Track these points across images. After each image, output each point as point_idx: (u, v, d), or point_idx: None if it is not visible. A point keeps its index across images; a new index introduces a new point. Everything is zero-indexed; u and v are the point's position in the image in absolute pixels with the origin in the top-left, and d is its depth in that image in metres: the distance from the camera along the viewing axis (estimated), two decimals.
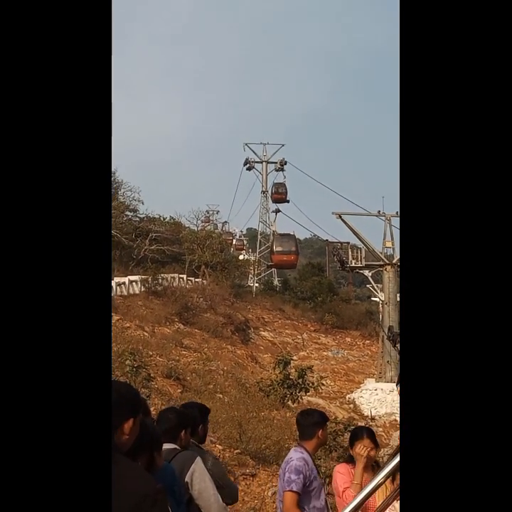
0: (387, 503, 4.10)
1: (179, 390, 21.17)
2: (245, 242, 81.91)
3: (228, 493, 6.54)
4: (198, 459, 5.66)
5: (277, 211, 67.46)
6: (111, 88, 2.87)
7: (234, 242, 77.51)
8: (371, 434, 6.18)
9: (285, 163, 67.80)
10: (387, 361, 36.38)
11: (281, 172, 68.11)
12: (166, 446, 5.18)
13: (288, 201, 66.43)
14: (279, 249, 56.57)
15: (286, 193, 66.76)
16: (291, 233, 59.26)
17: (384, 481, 3.89)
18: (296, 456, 6.00)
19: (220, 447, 15.43)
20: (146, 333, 27.58)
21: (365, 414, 31.39)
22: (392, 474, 3.80)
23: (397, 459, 3.63)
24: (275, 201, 67.19)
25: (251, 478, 14.90)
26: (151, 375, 20.31)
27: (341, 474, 5.84)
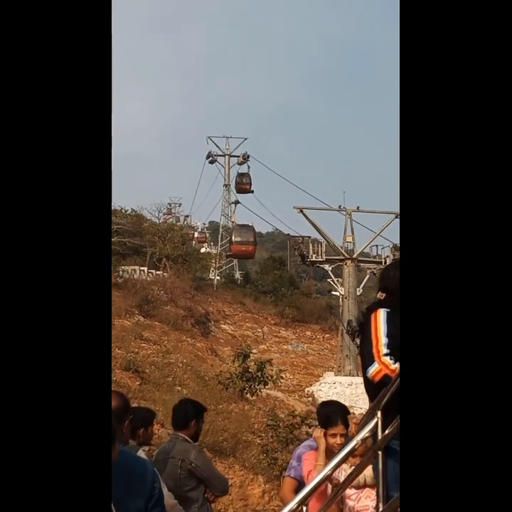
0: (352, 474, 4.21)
1: (138, 383, 21.15)
2: (208, 235, 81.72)
3: (215, 485, 6.61)
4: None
5: (237, 202, 68.10)
6: (111, 85, 2.86)
7: (196, 235, 77.29)
8: (345, 416, 6.23)
9: (248, 157, 67.75)
10: (346, 355, 36.70)
11: (245, 163, 68.08)
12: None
13: (252, 191, 66.45)
14: (238, 239, 57.59)
15: (251, 183, 66.75)
16: (250, 224, 60.37)
17: (347, 457, 4.03)
18: (303, 444, 6.15)
19: None
20: None
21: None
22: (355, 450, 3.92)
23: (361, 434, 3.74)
24: (239, 191, 67.14)
25: None
26: None
27: (308, 461, 5.85)
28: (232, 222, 66.89)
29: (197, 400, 7.67)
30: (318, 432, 5.86)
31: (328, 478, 4.11)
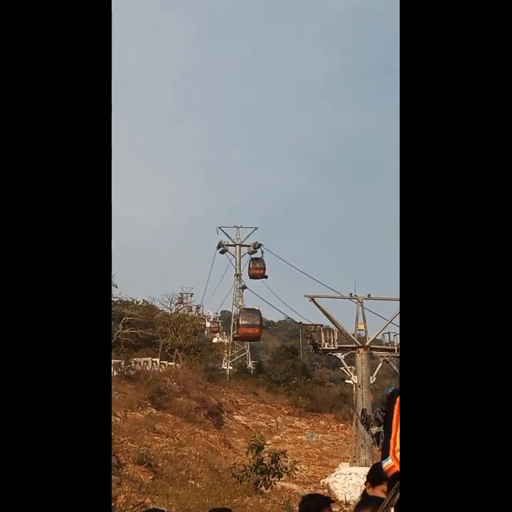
0: None
1: (151, 477, 20.91)
2: (220, 324, 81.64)
3: None
4: None
5: (244, 287, 68.61)
6: (111, 97, 2.96)
7: (208, 325, 77.23)
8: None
9: (258, 246, 68.35)
10: (361, 445, 36.14)
11: (259, 249, 68.46)
12: None
13: (266, 277, 66.52)
14: (245, 322, 59.43)
15: (265, 268, 67.15)
16: (256, 308, 62.11)
17: None
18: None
19: None
20: (118, 419, 27.30)
21: (340, 499, 31.00)
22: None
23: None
24: (252, 277, 67.15)
25: None
26: (122, 461, 20.10)
27: None
28: (238, 304, 67.19)
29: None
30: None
31: None
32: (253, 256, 68.58)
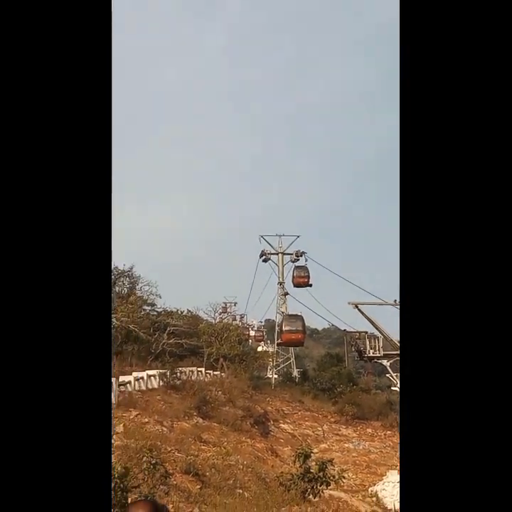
0: None
1: (198, 486, 20.92)
2: (264, 333, 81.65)
3: None
4: None
5: (286, 294, 68.37)
6: (111, 103, 2.92)
7: (253, 334, 77.36)
8: None
9: (301, 254, 68.23)
10: None
11: (302, 257, 68.18)
12: None
13: (310, 285, 66.23)
14: (288, 328, 60.12)
15: (309, 276, 66.77)
16: (299, 314, 62.22)
17: None
18: None
19: None
20: (164, 428, 27.40)
21: (389, 507, 30.67)
22: None
23: None
24: (297, 285, 66.88)
25: None
26: (170, 471, 20.13)
27: None
28: (281, 310, 67.20)
29: None
30: None
31: None
32: (297, 264, 68.26)
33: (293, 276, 67.63)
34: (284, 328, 60.97)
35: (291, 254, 69.35)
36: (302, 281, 66.52)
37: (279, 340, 64.09)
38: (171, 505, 16.81)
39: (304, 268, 67.38)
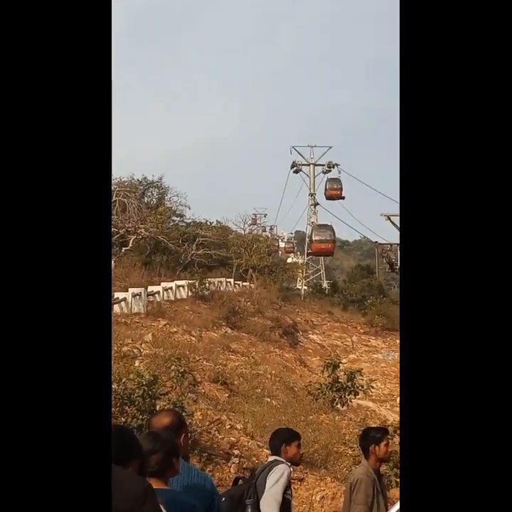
0: None
1: (226, 395, 21.05)
2: (294, 244, 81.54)
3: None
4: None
5: (316, 204, 68.10)
6: (111, 98, 2.84)
7: (283, 246, 77.46)
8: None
9: (333, 166, 67.32)
10: None
11: (334, 168, 67.30)
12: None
13: (343, 198, 65.73)
14: (317, 238, 60.09)
15: (342, 189, 66.07)
16: (329, 224, 62.25)
17: None
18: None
19: (267, 452, 15.24)
20: (193, 338, 27.55)
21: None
22: None
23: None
24: (329, 198, 66.40)
25: (299, 483, 14.70)
26: (198, 379, 20.24)
27: None
28: (311, 221, 67.12)
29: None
30: None
31: None
32: (330, 176, 67.42)
33: (325, 189, 67.06)
34: (314, 238, 60.98)
35: (323, 165, 68.52)
36: (335, 193, 65.90)
37: (309, 250, 64.27)
38: (199, 413, 16.93)
39: (337, 180, 66.71)
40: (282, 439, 6.97)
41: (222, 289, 39.98)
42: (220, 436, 16.12)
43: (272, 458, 6.99)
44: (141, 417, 12.04)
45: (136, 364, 18.14)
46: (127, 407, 12.45)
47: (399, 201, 2.69)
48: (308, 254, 67.82)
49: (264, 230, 76.80)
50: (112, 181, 39.46)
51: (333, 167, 67.52)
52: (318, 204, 67.45)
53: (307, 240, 68.14)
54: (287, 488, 6.76)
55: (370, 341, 45.20)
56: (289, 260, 71.11)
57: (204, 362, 23.67)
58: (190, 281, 36.63)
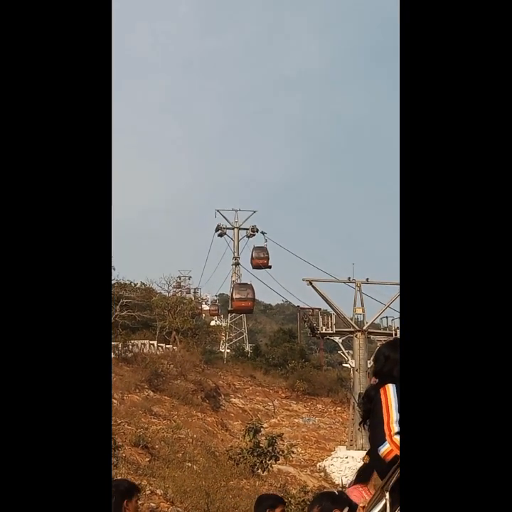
0: None
1: (147, 459, 20.90)
2: (219, 307, 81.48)
3: None
4: None
5: (237, 263, 68.43)
6: (111, 104, 2.93)
7: (207, 308, 77.24)
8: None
9: (257, 230, 67.66)
10: (358, 429, 36.13)
11: (262, 236, 66.50)
12: None
13: (270, 267, 64.17)
14: (238, 296, 62.39)
15: (268, 258, 65.04)
16: (249, 283, 64.04)
17: None
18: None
19: None
20: (115, 401, 27.25)
21: (336, 482, 31.05)
22: None
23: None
24: (256, 267, 64.62)
25: None
26: (119, 443, 20.04)
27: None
28: (232, 279, 67.45)
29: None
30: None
31: None
32: (256, 244, 66.74)
33: (252, 257, 65.56)
34: (234, 296, 62.89)
35: (247, 229, 69.00)
36: (262, 262, 64.57)
37: (230, 308, 65.73)
38: (119, 477, 16.71)
39: (264, 249, 65.42)
40: (265, 506, 6.97)
41: (145, 351, 39.72)
42: (140, 502, 15.99)
43: None
44: None
45: None
46: None
47: (399, 203, 2.75)
48: (229, 312, 68.63)
49: (189, 292, 76.68)
50: None
51: (257, 231, 67.99)
52: (239, 264, 67.79)
53: (228, 298, 68.20)
54: None
55: (291, 406, 45.32)
56: (213, 323, 71.06)
57: (125, 425, 23.48)
58: (113, 343, 36.29)
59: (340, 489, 7.01)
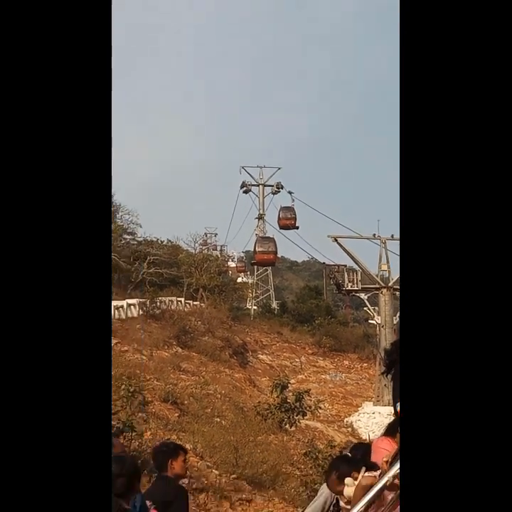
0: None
1: (176, 414, 21.16)
2: (246, 264, 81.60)
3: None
4: None
5: (260, 218, 68.78)
6: (111, 100, 2.90)
7: (233, 265, 77.46)
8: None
9: (282, 187, 67.32)
10: (385, 385, 36.31)
11: (290, 196, 65.85)
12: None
13: (297, 227, 63.10)
14: (261, 249, 62.65)
15: (296, 218, 63.87)
16: (271, 236, 64.71)
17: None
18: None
19: (216, 472, 15.44)
20: (144, 357, 27.57)
21: (363, 437, 31.32)
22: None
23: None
24: (283, 227, 63.96)
25: (247, 504, 14.88)
26: (149, 399, 20.31)
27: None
28: (255, 233, 67.87)
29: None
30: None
31: None
32: (283, 205, 65.95)
33: (279, 218, 64.62)
34: (257, 249, 63.40)
35: (272, 186, 68.73)
36: (289, 222, 63.64)
37: (253, 261, 66.67)
38: (149, 433, 17.01)
39: (291, 209, 64.32)
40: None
41: (173, 308, 40.00)
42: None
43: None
44: None
45: None
46: None
47: (399, 198, 2.72)
48: (252, 264, 69.95)
49: (215, 249, 76.85)
50: None
51: (282, 188, 67.60)
52: (263, 219, 67.97)
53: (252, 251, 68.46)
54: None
55: (318, 362, 45.61)
56: (239, 280, 71.30)
57: (155, 381, 23.76)
58: (141, 300, 36.58)
59: (361, 442, 7.02)
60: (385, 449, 5.37)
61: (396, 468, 3.88)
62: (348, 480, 5.79)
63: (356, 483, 5.49)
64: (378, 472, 4.92)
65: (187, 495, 6.80)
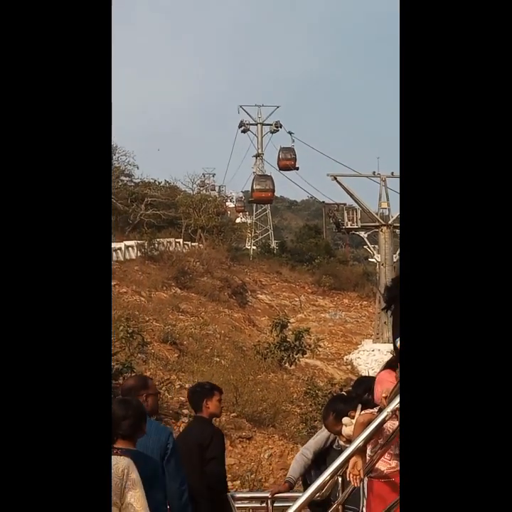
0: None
1: (176, 355, 21.26)
2: (244, 203, 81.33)
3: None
4: None
5: (257, 156, 68.30)
6: (111, 68, 2.87)
7: (231, 205, 77.22)
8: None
9: (280, 126, 66.67)
10: (384, 322, 36.44)
11: (289, 136, 64.89)
12: None
13: (297, 168, 62.63)
14: (258, 187, 64.15)
15: (296, 159, 63.05)
16: (269, 174, 65.87)
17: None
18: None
19: None
20: (142, 298, 27.61)
21: (363, 375, 31.55)
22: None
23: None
24: (283, 168, 63.38)
25: (247, 441, 15.04)
26: (148, 340, 20.37)
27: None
28: (253, 171, 68.33)
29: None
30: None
31: (360, 450, 4.20)
32: (283, 145, 65.06)
33: (279, 158, 63.81)
34: (255, 187, 64.45)
35: (271, 125, 68.07)
36: (289, 163, 62.88)
37: (250, 198, 67.70)
38: (148, 373, 17.06)
39: (291, 149, 63.56)
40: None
41: (171, 249, 39.87)
42: (169, 396, 16.34)
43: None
44: None
45: None
46: None
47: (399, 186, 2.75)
48: (249, 202, 70.72)
49: (213, 190, 76.41)
50: None
51: (280, 127, 66.74)
52: (261, 157, 67.56)
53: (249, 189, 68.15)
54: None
55: (317, 301, 45.72)
56: (238, 220, 71.12)
57: (153, 322, 23.81)
58: (139, 242, 36.49)
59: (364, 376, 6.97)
60: (389, 381, 5.28)
61: (395, 403, 3.90)
62: (345, 419, 5.72)
63: (353, 421, 5.41)
64: (375, 409, 4.86)
65: (223, 436, 6.80)
